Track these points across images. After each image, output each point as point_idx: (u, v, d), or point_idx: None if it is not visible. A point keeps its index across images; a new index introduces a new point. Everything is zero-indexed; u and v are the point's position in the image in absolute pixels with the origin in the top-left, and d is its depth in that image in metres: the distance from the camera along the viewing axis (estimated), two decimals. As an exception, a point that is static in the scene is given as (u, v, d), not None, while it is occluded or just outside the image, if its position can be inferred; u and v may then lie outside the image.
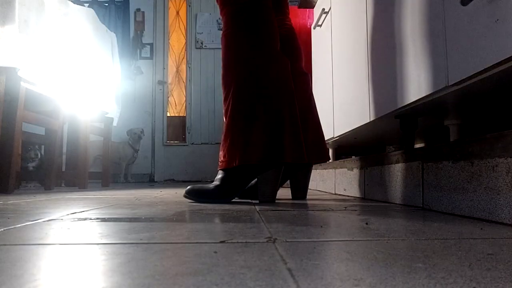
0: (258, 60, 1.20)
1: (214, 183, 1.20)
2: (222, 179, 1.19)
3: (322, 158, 1.43)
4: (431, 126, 1.37)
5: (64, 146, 2.89)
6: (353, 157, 1.61)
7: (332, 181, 1.82)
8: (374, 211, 0.90)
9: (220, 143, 1.27)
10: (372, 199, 1.28)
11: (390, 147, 1.93)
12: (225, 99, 1.22)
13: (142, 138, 4.61)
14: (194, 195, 1.20)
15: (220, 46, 1.26)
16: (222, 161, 1.20)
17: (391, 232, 0.56)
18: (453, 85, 0.84)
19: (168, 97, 5.18)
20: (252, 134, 1.16)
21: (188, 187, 1.24)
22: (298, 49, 1.48)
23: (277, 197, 1.41)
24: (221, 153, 1.21)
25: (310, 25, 2.59)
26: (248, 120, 1.17)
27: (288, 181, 1.42)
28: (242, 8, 1.23)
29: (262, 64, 1.20)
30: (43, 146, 2.68)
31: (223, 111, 1.24)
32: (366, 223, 0.67)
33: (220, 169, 1.21)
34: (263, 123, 1.16)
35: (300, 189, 1.40)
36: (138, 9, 5.16)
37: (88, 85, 2.40)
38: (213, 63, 5.08)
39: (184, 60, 5.15)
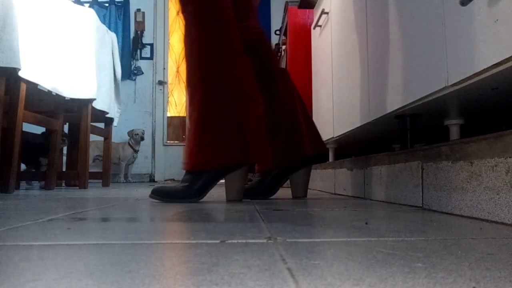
0: (223, 62, 1.22)
1: (182, 183, 1.21)
2: (190, 180, 1.19)
3: (318, 150, 1.40)
4: (431, 126, 1.37)
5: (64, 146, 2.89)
6: (353, 157, 1.61)
7: (332, 181, 1.82)
8: (373, 211, 0.90)
9: None
10: (371, 199, 1.28)
11: (395, 145, 1.93)
12: (191, 102, 1.22)
13: (143, 139, 4.61)
14: (161, 195, 1.20)
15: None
16: (187, 163, 1.20)
17: (390, 232, 0.57)
18: (452, 85, 0.84)
19: (168, 97, 5.19)
20: (220, 138, 1.17)
21: (154, 187, 1.25)
22: (271, 50, 1.51)
23: (277, 197, 1.41)
24: (186, 154, 1.21)
25: (310, 25, 2.59)
26: (215, 124, 1.18)
27: (288, 181, 1.42)
28: (204, 8, 1.23)
29: (227, 66, 1.22)
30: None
31: (187, 112, 1.24)
32: (366, 223, 0.67)
33: (186, 170, 1.21)
34: (231, 126, 1.18)
35: (300, 188, 1.40)
36: (139, 10, 5.16)
37: (88, 85, 2.40)
38: (213, 63, 5.08)
39: (185, 60, 5.16)
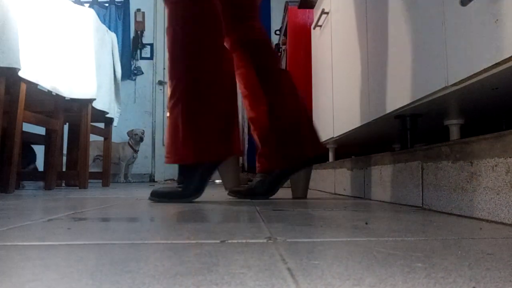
0: (205, 55, 1.22)
1: (179, 184, 1.22)
2: (187, 179, 1.20)
3: (318, 150, 1.41)
4: (431, 126, 1.37)
5: (64, 146, 2.89)
6: (353, 157, 1.60)
7: (332, 181, 1.82)
8: (374, 211, 0.90)
9: None
10: (371, 199, 1.28)
11: (395, 145, 1.93)
12: (172, 94, 1.22)
13: (143, 139, 4.61)
14: (160, 197, 1.21)
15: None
16: (169, 157, 1.20)
17: (390, 232, 0.57)
18: (452, 85, 0.84)
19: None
20: (204, 131, 1.18)
21: (153, 189, 1.25)
22: (274, 50, 1.52)
23: (277, 197, 1.41)
24: (168, 148, 1.21)
25: (310, 25, 2.59)
26: (198, 117, 1.18)
27: (288, 181, 1.42)
28: (190, 1, 1.23)
29: (209, 59, 1.22)
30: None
31: (169, 105, 1.24)
32: (366, 223, 0.67)
33: (179, 170, 1.23)
34: (214, 119, 1.18)
35: (300, 188, 1.40)
36: (139, 9, 5.16)
37: (87, 85, 2.40)
38: (213, 63, 5.09)
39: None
